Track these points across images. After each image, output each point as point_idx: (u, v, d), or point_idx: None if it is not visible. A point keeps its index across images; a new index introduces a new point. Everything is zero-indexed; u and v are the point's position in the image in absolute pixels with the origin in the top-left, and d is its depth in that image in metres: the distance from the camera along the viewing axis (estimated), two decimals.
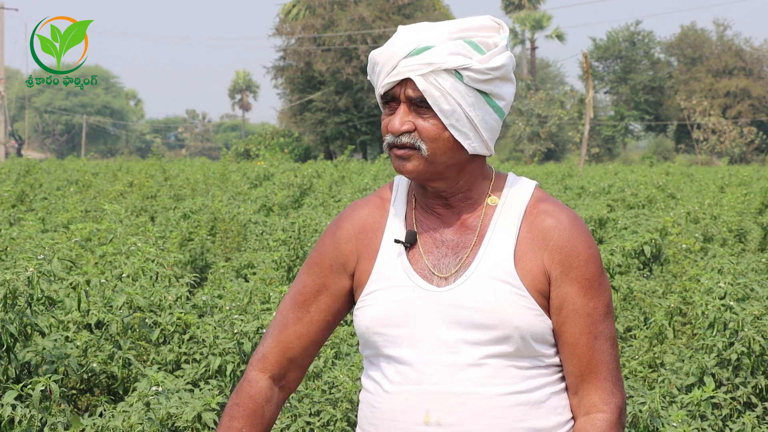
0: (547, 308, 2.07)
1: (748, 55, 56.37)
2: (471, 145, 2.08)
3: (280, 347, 2.21)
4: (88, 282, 5.16)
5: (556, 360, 2.10)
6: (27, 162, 20.85)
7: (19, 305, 4.28)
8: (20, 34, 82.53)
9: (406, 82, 2.05)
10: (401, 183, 2.23)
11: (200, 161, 28.98)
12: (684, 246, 8.57)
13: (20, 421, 3.77)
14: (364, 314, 2.12)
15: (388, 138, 2.08)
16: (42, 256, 5.00)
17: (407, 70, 2.04)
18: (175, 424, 4.17)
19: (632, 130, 61.37)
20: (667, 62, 60.19)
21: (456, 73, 2.04)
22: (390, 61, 2.06)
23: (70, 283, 5.13)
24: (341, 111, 48.90)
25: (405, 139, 2.06)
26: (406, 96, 2.06)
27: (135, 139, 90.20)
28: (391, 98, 2.09)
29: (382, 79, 2.08)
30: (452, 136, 2.06)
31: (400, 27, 2.12)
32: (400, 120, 2.06)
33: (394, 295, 2.09)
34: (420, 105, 2.06)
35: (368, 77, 2.18)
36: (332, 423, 4.65)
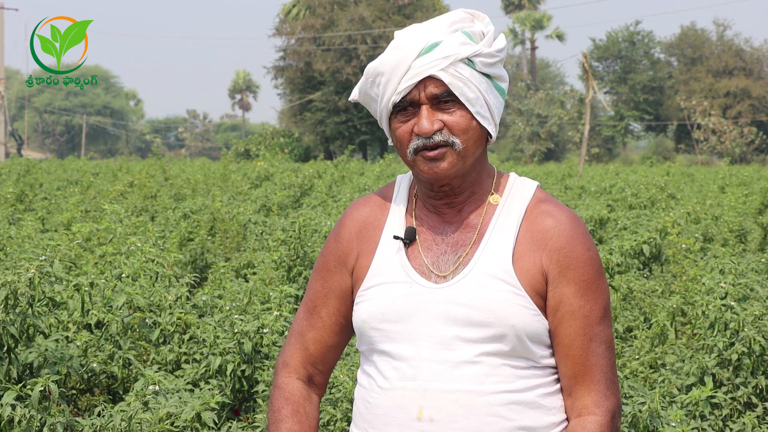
0: (544, 308, 2.06)
1: (748, 55, 56.35)
2: (493, 131, 2.09)
3: (300, 354, 2.22)
4: (91, 284, 5.16)
5: (552, 361, 2.09)
6: (27, 162, 20.84)
7: (21, 306, 4.27)
8: (20, 34, 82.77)
9: (425, 81, 2.03)
10: (403, 181, 2.23)
11: (200, 161, 29.03)
12: (684, 246, 8.57)
13: (20, 422, 3.77)
14: (361, 309, 2.13)
15: (417, 142, 2.05)
16: (44, 257, 5.00)
17: (426, 68, 2.02)
18: (174, 424, 4.17)
19: (632, 130, 61.34)
20: (667, 62, 60.16)
21: (469, 61, 2.04)
22: (400, 66, 2.03)
23: (74, 285, 5.12)
24: (341, 111, 48.88)
25: (438, 138, 2.04)
26: (428, 95, 2.04)
27: (135, 139, 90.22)
28: (408, 104, 2.05)
29: (394, 86, 2.04)
30: (479, 125, 2.06)
31: (396, 33, 2.09)
32: (428, 120, 2.03)
33: (391, 291, 2.09)
34: (442, 101, 2.04)
35: (365, 93, 2.12)
36: (332, 423, 4.64)
